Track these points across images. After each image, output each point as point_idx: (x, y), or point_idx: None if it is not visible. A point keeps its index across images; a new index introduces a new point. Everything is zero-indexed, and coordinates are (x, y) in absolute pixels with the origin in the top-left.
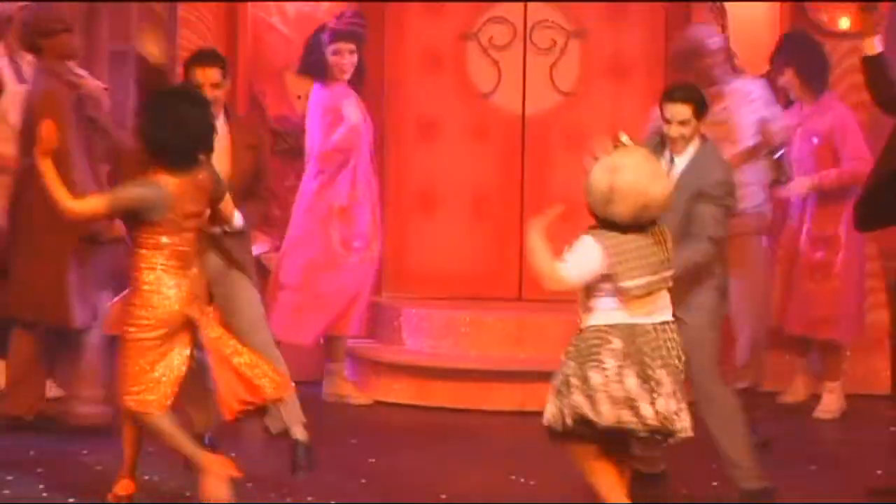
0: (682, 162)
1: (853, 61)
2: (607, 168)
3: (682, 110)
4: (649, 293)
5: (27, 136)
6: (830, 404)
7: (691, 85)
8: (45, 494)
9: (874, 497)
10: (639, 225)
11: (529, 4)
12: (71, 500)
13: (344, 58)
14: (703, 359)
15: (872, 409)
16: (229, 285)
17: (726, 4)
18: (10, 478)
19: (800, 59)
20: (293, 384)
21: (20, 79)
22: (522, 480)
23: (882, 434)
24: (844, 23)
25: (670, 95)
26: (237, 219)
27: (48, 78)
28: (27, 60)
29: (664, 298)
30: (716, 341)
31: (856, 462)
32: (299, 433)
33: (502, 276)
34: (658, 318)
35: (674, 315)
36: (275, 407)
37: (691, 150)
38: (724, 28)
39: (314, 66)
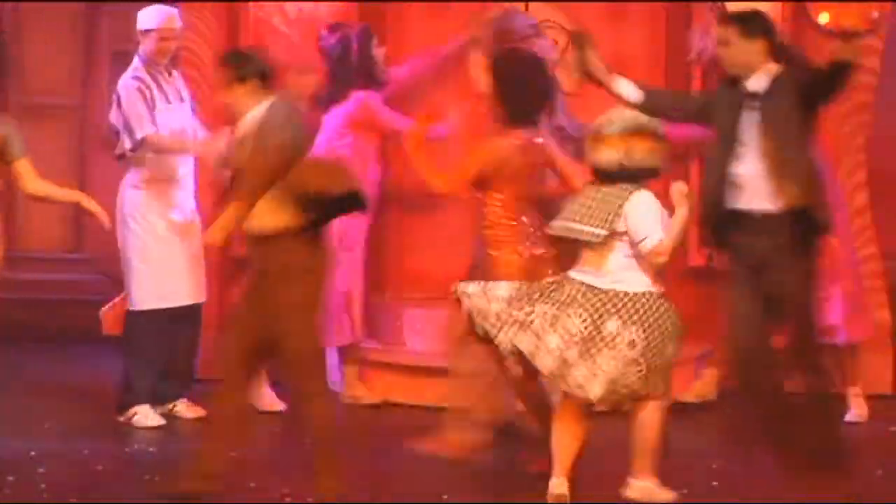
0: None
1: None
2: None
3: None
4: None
5: None
6: (861, 407)
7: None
8: (45, 494)
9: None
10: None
11: (529, 4)
12: (71, 500)
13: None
14: None
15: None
16: None
17: (727, 4)
18: (10, 478)
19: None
20: None
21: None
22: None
23: (882, 434)
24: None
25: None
26: None
27: None
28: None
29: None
30: None
31: (856, 462)
32: None
33: None
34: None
35: None
36: None
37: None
38: None
39: (356, 72)
